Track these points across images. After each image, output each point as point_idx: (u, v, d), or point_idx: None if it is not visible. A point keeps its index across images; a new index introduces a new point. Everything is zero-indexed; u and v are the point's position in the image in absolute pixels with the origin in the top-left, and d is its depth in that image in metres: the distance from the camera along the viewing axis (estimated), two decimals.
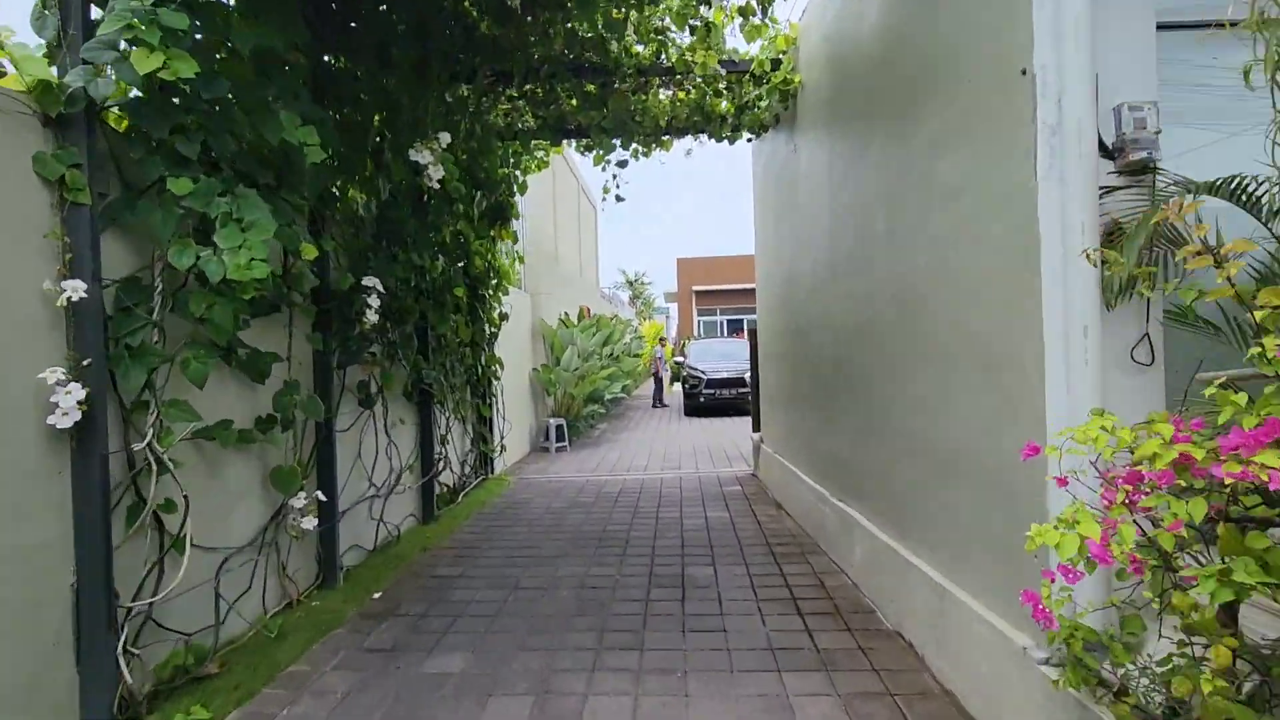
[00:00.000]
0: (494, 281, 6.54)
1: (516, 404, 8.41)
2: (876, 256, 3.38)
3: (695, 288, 21.74)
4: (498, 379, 6.80)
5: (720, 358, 14.34)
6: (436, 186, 3.70)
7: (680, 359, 15.74)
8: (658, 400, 16.22)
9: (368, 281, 3.72)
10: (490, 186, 5.99)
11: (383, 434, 4.40)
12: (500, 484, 6.65)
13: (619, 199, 6.45)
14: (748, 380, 13.34)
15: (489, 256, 6.26)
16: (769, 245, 6.33)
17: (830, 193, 4.19)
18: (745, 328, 21.74)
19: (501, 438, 7.02)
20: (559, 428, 9.17)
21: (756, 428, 7.11)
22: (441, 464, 5.39)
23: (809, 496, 4.70)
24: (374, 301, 3.74)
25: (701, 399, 13.15)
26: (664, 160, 7.47)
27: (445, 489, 5.72)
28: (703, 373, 13.32)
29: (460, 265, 5.56)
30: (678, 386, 20.29)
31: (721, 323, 21.72)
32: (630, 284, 39.41)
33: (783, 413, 5.82)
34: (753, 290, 20.09)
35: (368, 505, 4.32)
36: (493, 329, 6.70)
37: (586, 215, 16.66)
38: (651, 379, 16.74)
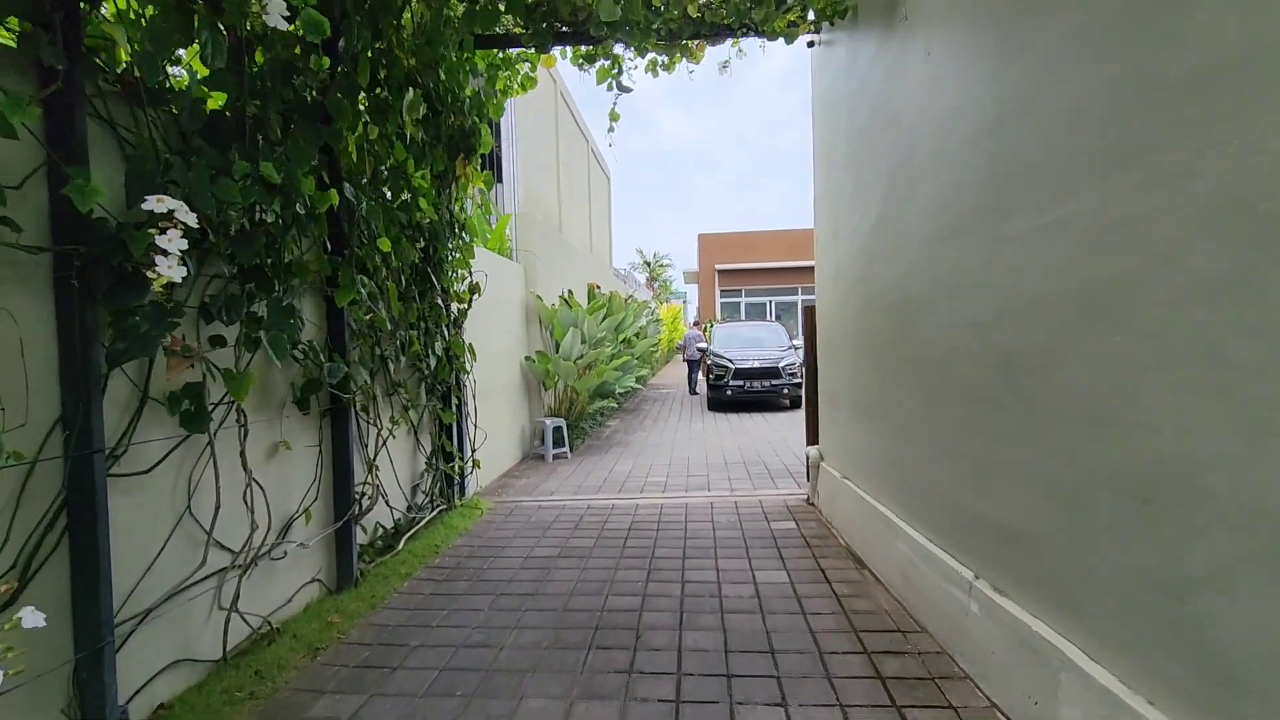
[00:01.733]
0: (460, 239, 4.81)
1: (503, 402, 6.73)
2: (1174, 140, 1.59)
3: (718, 266, 19.79)
4: (466, 372, 5.10)
5: (747, 344, 12.54)
6: (282, 26, 1.99)
7: (701, 346, 13.96)
8: (694, 388, 14.72)
9: (158, 204, 2.01)
10: (451, 104, 4.25)
11: (238, 469, 2.71)
12: (470, 514, 4.97)
13: (623, 89, 4.74)
14: (782, 370, 11.56)
15: (447, 202, 4.53)
16: (840, 193, 4.52)
17: (988, 71, 2.40)
18: (771, 310, 19.79)
19: (473, 450, 5.33)
20: (557, 430, 7.47)
21: (813, 439, 5.35)
22: (367, 500, 3.71)
23: (923, 567, 2.95)
24: (174, 244, 2.03)
25: (729, 392, 11.37)
26: (692, 71, 5.91)
27: (382, 532, 4.05)
28: (730, 361, 11.52)
29: (395, 206, 3.84)
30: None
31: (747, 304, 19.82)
32: (647, 265, 37.48)
33: (861, 425, 4.05)
34: (783, 269, 18.24)
35: (214, 587, 2.65)
36: (459, 305, 4.99)
37: (598, 183, 14.86)
38: (685, 364, 15.24)
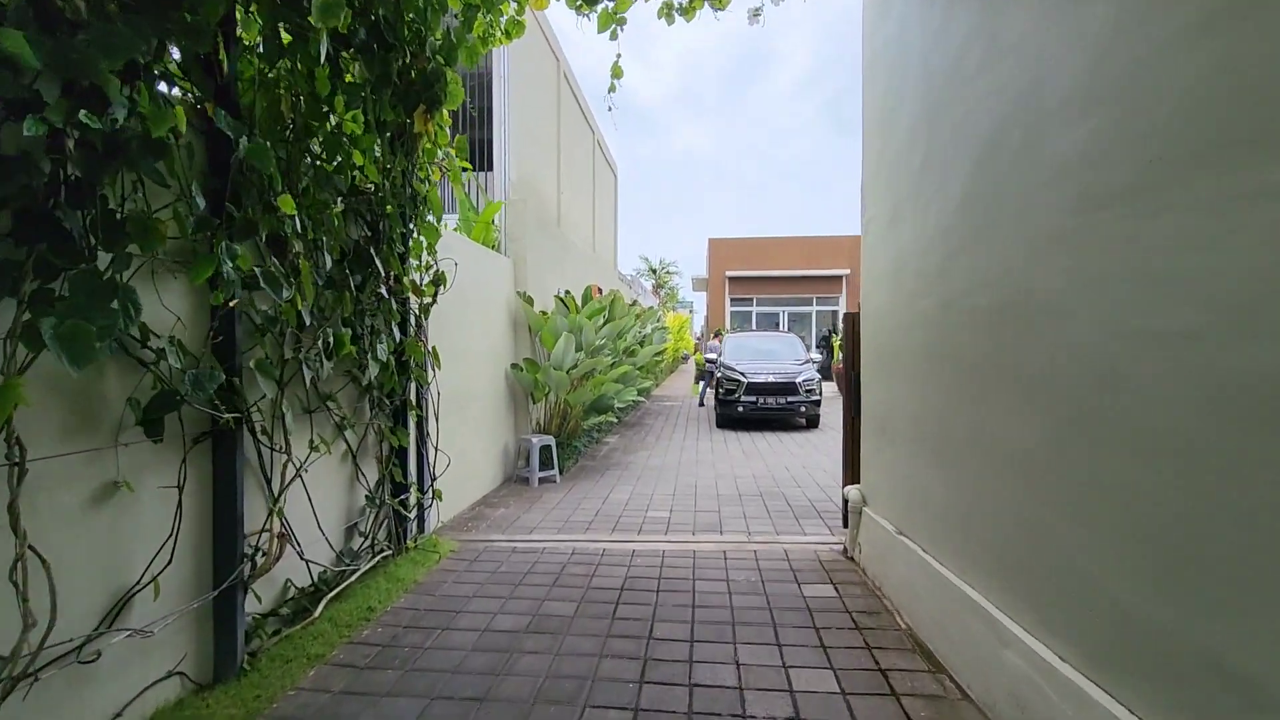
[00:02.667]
0: (422, 217, 3.87)
1: (482, 417, 5.76)
2: None
3: (729, 273, 18.77)
4: (426, 383, 4.13)
5: (759, 356, 11.56)
6: None
7: (711, 357, 12.99)
8: (703, 400, 13.92)
9: None
10: (406, 39, 3.33)
11: (6, 531, 1.75)
12: (424, 560, 3.99)
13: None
14: (799, 386, 10.52)
15: (404, 167, 3.59)
16: (904, 165, 3.57)
17: None
18: (785, 321, 18.78)
19: (433, 480, 4.35)
20: (545, 450, 6.50)
21: (852, 476, 4.37)
22: (262, 555, 2.74)
23: (1061, 704, 1.96)
24: None
25: (740, 408, 10.36)
26: (719, 17, 3.91)
27: (294, 593, 3.08)
28: (742, 375, 10.53)
29: (329, 166, 2.91)
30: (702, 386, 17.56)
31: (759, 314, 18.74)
32: (653, 271, 36.52)
33: (932, 467, 3.06)
34: (799, 278, 17.26)
35: None
36: (422, 299, 4.04)
37: (604, 179, 13.96)
38: (702, 376, 14.46)
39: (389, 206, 3.51)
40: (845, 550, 4.23)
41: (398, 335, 3.65)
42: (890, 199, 3.69)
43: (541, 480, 6.39)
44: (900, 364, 3.52)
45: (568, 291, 8.00)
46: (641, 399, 12.04)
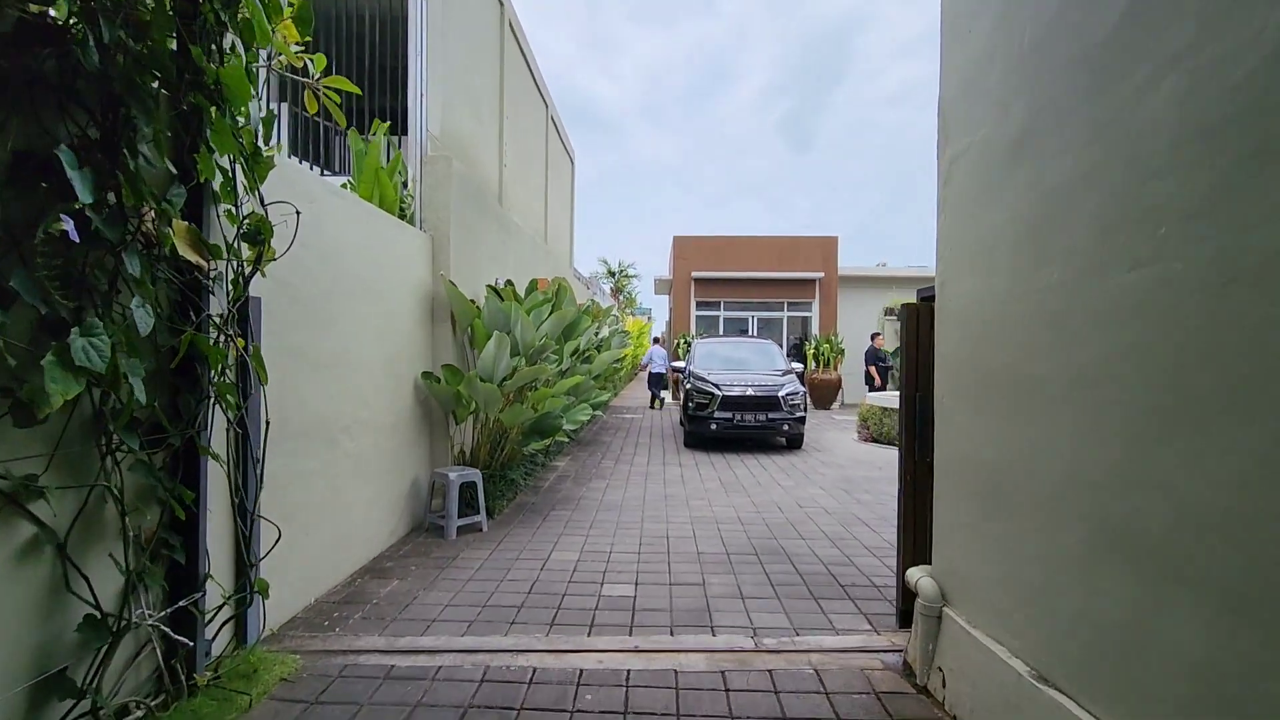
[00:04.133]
0: (212, 113, 2.24)
1: (372, 447, 4.10)
2: None
3: (696, 274, 17.30)
4: (234, 405, 2.47)
5: (731, 366, 10.14)
6: None
7: (678, 365, 11.51)
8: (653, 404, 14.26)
9: None
10: None
11: None
12: (218, 713, 2.33)
13: None
14: (782, 401, 9.05)
15: (163, 25, 1.96)
16: (1056, 37, 2.14)
17: None
18: (754, 326, 17.46)
19: (253, 565, 2.68)
20: (467, 488, 4.87)
21: (916, 554, 2.91)
22: None
23: None
24: None
25: (713, 425, 8.88)
26: None
27: None
28: (715, 387, 9.06)
29: None
30: (666, 395, 16.12)
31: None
32: (612, 274, 34.90)
33: (1181, 608, 1.61)
34: (770, 280, 15.94)
35: None
36: (235, 264, 2.40)
37: (559, 164, 12.35)
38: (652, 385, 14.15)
39: (141, 88, 1.86)
40: (907, 666, 2.76)
41: (145, 323, 1.98)
42: (1014, 110, 2.23)
43: (461, 529, 4.74)
44: (1045, 389, 2.06)
45: (508, 282, 6.38)
46: (598, 413, 10.45)
